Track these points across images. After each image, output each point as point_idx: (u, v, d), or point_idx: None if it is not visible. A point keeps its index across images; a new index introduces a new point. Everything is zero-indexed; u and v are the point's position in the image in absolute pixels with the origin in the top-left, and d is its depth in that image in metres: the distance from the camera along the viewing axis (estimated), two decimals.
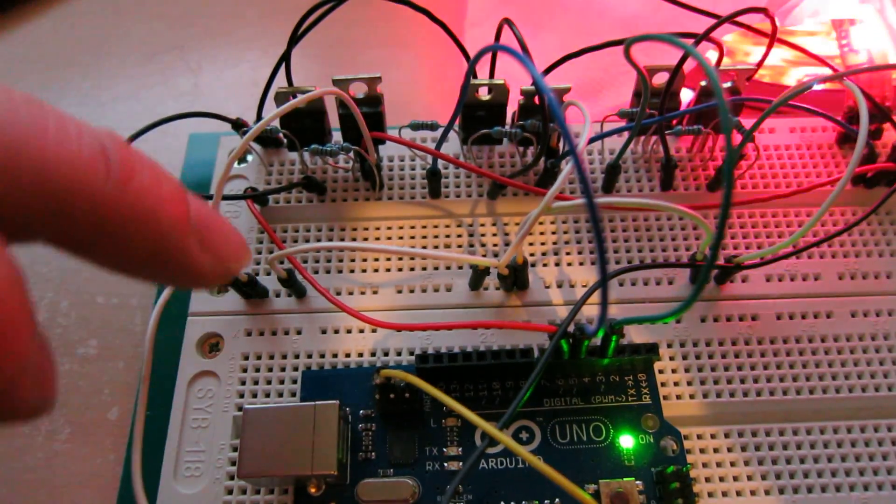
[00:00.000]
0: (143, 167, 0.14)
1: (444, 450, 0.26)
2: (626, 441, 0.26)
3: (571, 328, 0.24)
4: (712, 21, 0.27)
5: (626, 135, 0.31)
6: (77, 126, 0.13)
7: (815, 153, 0.33)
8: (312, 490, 0.25)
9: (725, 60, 0.30)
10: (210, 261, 0.16)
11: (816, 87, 0.28)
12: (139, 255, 0.14)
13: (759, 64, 0.29)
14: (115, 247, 0.14)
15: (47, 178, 0.12)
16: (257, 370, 0.28)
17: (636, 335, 0.29)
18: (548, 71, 0.29)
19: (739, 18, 0.27)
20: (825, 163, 0.33)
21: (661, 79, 0.30)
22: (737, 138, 0.30)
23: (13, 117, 0.12)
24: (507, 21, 0.25)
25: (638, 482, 0.25)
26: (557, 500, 0.25)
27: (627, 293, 0.30)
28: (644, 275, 0.30)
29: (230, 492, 0.26)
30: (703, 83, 0.30)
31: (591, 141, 0.30)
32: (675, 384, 0.28)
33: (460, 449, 0.26)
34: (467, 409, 0.22)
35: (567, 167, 0.20)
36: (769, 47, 0.28)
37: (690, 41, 0.27)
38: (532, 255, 0.31)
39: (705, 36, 0.26)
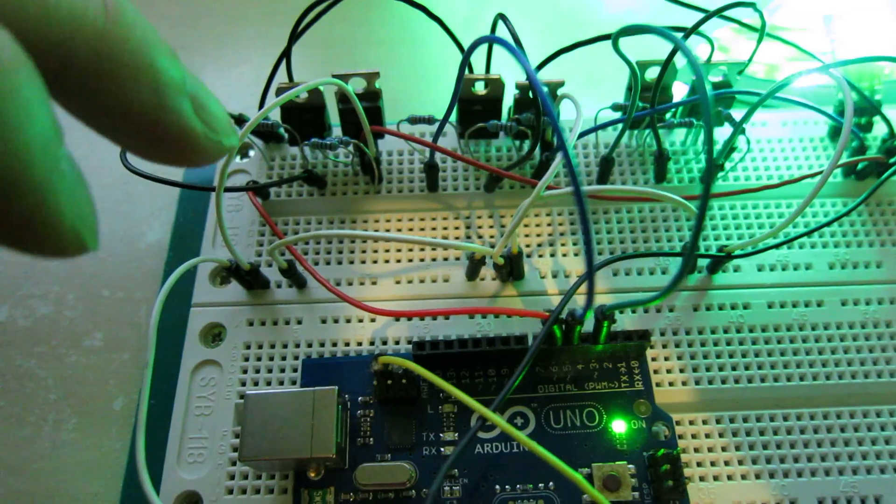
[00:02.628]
0: (139, 18, 0.14)
1: (441, 435, 0.26)
2: (619, 426, 0.26)
3: (564, 315, 0.25)
4: (706, 10, 0.27)
5: (620, 127, 0.31)
6: None
7: (808, 146, 0.34)
8: (312, 474, 0.26)
9: (719, 54, 0.30)
10: (203, 129, 0.16)
11: (807, 82, 0.29)
12: (134, 110, 0.14)
13: (750, 58, 0.30)
14: (113, 97, 0.14)
15: (49, 6, 0.12)
16: (259, 359, 0.29)
17: (630, 324, 0.29)
18: (542, 65, 0.29)
19: (731, 13, 0.28)
20: (816, 155, 0.33)
21: (654, 73, 0.31)
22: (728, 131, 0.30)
23: None
24: (501, 16, 0.26)
25: (630, 466, 0.25)
26: (551, 483, 0.25)
27: (622, 282, 0.30)
28: (638, 264, 0.31)
29: (232, 477, 0.27)
30: (693, 77, 0.31)
31: (583, 134, 0.31)
32: (668, 371, 0.28)
33: (457, 434, 0.26)
34: (462, 392, 0.22)
35: (556, 160, 0.21)
36: (759, 42, 0.29)
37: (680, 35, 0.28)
38: (528, 245, 0.31)
39: (694, 29, 0.26)
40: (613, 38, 0.20)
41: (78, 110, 0.14)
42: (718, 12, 0.27)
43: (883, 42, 0.38)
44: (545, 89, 0.29)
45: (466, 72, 0.28)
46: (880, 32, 0.38)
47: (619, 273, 0.30)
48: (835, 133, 0.34)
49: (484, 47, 0.30)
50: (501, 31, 0.27)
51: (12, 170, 0.11)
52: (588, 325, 0.25)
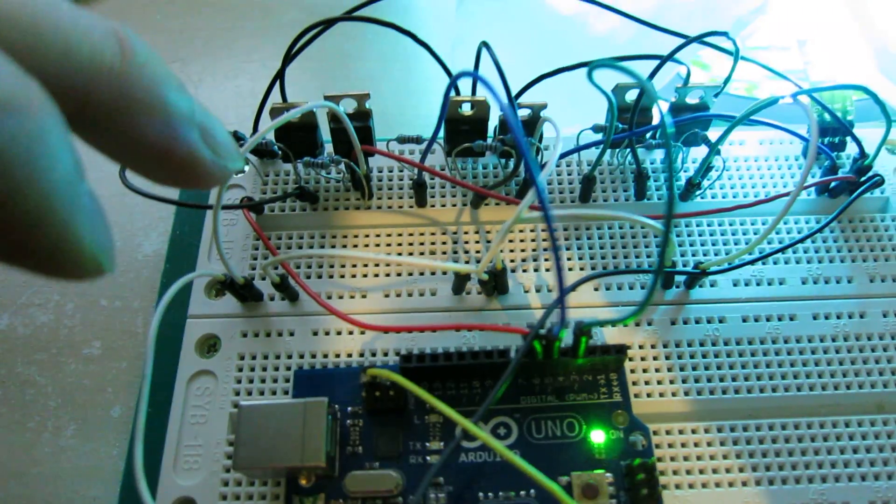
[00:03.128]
0: (151, 56, 0.15)
1: (427, 444, 0.28)
2: (598, 436, 0.28)
3: (545, 329, 0.26)
4: (685, 36, 0.29)
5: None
6: (85, 8, 0.14)
7: (783, 164, 0.35)
8: (303, 482, 0.27)
9: (701, 73, 0.31)
10: (210, 156, 0.17)
11: (786, 99, 0.30)
12: (147, 141, 0.15)
13: (725, 82, 0.31)
14: (127, 130, 0.15)
15: (71, 53, 0.13)
16: (252, 370, 0.30)
17: (610, 337, 0.30)
18: (524, 90, 0.31)
19: (708, 38, 0.29)
20: (792, 173, 0.35)
21: (634, 94, 0.32)
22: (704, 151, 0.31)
23: None
24: (485, 44, 0.27)
25: (608, 475, 0.27)
26: (532, 490, 0.27)
27: (605, 296, 0.31)
28: (619, 280, 0.32)
29: (226, 484, 0.28)
30: (672, 99, 0.32)
31: (565, 155, 0.32)
32: (646, 383, 0.29)
33: (442, 443, 0.28)
34: (445, 406, 0.23)
35: (528, 195, 0.22)
36: (733, 66, 0.30)
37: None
38: (512, 261, 0.32)
39: (669, 57, 0.28)
40: (587, 72, 0.21)
41: (93, 142, 0.15)
42: (693, 41, 0.28)
43: (854, 64, 0.39)
44: (528, 112, 0.30)
45: (453, 93, 0.30)
46: (851, 55, 0.40)
47: (600, 288, 0.32)
48: None
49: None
50: (485, 57, 0.28)
51: (40, 207, 0.12)
52: (569, 339, 0.26)
